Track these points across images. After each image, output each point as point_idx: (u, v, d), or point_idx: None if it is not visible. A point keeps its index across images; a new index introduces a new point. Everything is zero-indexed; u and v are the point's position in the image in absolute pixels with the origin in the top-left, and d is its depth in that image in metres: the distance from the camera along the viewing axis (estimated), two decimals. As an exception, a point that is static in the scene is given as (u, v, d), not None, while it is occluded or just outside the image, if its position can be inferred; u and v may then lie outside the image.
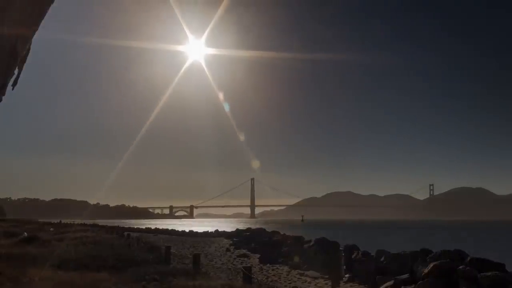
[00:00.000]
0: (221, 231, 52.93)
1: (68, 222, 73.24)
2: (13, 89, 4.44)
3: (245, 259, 25.52)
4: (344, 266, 18.17)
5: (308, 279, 17.73)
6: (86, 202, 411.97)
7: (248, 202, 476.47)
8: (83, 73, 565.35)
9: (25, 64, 4.54)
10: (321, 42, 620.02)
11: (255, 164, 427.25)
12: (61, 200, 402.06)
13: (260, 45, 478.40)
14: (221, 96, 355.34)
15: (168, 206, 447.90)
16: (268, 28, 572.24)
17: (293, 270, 20.18)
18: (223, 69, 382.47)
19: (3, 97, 4.56)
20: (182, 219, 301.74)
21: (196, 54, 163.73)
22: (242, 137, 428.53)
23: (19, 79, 4.50)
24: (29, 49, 4.30)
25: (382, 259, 16.86)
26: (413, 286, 13.40)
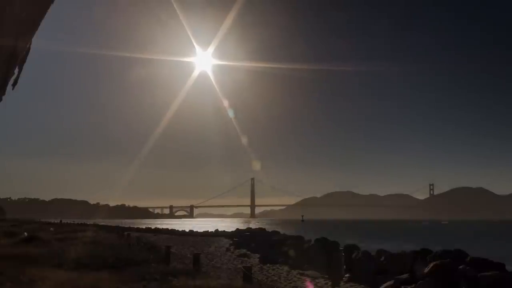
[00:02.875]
0: (221, 231, 52.90)
1: (72, 222, 73.23)
2: (13, 88, 4.43)
3: (245, 259, 25.51)
4: (344, 266, 18.16)
5: (308, 279, 17.73)
6: (86, 202, 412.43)
7: (248, 202, 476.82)
8: (92, 80, 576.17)
9: (25, 64, 4.54)
10: (322, 53, 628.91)
11: (256, 164, 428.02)
12: (61, 200, 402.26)
13: (266, 56, 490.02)
14: (225, 102, 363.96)
15: (168, 206, 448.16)
16: (274, 40, 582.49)
17: (293, 270, 20.18)
18: (228, 77, 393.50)
19: (3, 97, 4.56)
20: (182, 219, 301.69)
21: (204, 64, 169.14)
22: (244, 140, 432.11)
23: (19, 79, 4.50)
24: (29, 49, 4.29)
25: (382, 259, 16.85)
26: (413, 286, 13.40)
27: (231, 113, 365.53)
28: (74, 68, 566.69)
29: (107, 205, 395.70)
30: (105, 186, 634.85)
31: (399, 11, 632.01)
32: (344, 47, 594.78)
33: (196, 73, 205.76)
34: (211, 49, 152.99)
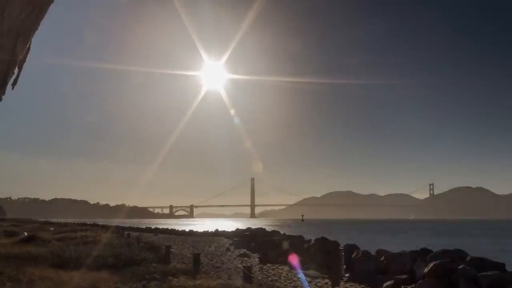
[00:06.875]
0: (221, 231, 52.86)
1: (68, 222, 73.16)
2: (13, 88, 4.43)
3: (245, 258, 25.50)
4: (344, 266, 18.15)
5: (308, 279, 17.72)
6: (86, 202, 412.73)
7: (248, 202, 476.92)
8: (93, 85, 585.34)
9: (24, 64, 4.53)
10: (331, 68, 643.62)
11: (257, 165, 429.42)
12: (61, 200, 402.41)
13: (273, 70, 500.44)
14: (232, 110, 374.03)
15: (168, 205, 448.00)
16: (283, 54, 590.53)
17: (293, 270, 20.18)
18: (236, 88, 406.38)
19: (3, 97, 4.55)
20: (182, 219, 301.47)
21: (213, 76, 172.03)
22: (246, 141, 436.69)
23: (19, 78, 4.49)
24: (29, 49, 4.29)
25: (382, 258, 16.86)
26: (413, 286, 13.41)
27: (236, 120, 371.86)
28: (82, 76, 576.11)
29: (107, 205, 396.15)
30: (105, 186, 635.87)
31: (403, 28, 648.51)
32: (351, 62, 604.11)
33: (204, 83, 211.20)
34: (221, 62, 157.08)
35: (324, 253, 20.08)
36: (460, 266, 12.58)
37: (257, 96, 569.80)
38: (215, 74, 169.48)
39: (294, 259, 18.93)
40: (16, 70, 4.41)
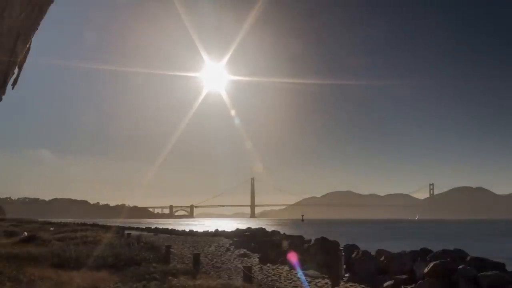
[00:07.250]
0: (221, 231, 52.86)
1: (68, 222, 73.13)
2: (13, 88, 4.44)
3: (245, 258, 25.49)
4: (344, 266, 18.16)
5: (308, 279, 17.72)
6: (86, 201, 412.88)
7: (248, 202, 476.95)
8: (94, 86, 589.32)
9: (25, 64, 4.53)
10: (332, 69, 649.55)
11: (257, 165, 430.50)
12: (61, 200, 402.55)
13: (275, 71, 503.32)
14: (232, 111, 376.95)
15: (168, 205, 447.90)
16: (284, 55, 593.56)
17: (293, 270, 20.18)
18: (237, 89, 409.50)
19: (3, 97, 4.55)
20: (182, 219, 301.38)
21: (214, 79, 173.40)
22: (246, 141, 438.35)
23: (19, 78, 4.49)
24: (29, 49, 4.29)
25: (382, 258, 16.86)
26: (413, 286, 13.41)
27: (237, 121, 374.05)
28: (82, 76, 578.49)
29: (107, 205, 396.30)
30: (105, 186, 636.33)
31: (403, 29, 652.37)
32: (352, 63, 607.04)
33: (205, 84, 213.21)
34: (222, 63, 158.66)
35: (324, 253, 20.08)
36: (460, 266, 12.58)
37: (258, 97, 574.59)
38: (216, 76, 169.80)
39: (293, 257, 18.94)
40: (16, 70, 4.41)
